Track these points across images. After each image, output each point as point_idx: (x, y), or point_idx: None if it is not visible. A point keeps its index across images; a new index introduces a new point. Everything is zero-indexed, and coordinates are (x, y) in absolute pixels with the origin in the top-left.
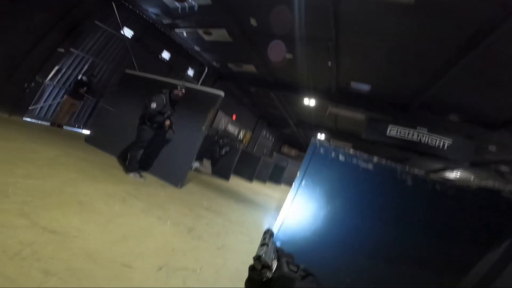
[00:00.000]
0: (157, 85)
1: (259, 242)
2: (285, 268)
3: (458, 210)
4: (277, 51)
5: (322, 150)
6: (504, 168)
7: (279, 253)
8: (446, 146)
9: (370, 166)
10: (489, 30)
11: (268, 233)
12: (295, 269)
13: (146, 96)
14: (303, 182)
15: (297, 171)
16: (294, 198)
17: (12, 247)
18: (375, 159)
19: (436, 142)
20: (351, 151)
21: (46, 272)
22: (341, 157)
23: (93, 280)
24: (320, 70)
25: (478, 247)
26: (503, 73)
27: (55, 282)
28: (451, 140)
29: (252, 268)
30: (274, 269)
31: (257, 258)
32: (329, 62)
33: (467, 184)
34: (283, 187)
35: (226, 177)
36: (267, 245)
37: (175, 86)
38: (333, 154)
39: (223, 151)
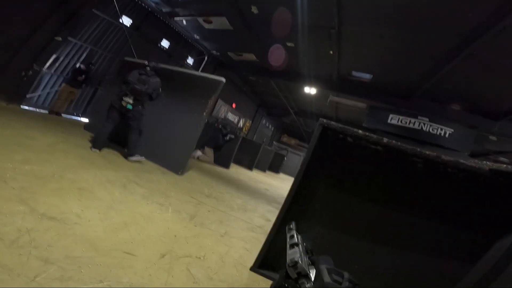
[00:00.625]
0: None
1: (287, 239)
2: (327, 278)
3: (470, 194)
4: (277, 55)
5: (329, 131)
6: (503, 159)
7: (313, 256)
8: (447, 135)
9: (379, 148)
10: (495, 20)
11: (294, 228)
12: (339, 279)
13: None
14: (310, 164)
15: (298, 161)
16: (301, 181)
17: (9, 234)
18: (385, 140)
19: (437, 131)
20: (360, 132)
21: (45, 260)
22: (349, 139)
23: (94, 268)
24: (322, 58)
25: (489, 234)
26: (508, 63)
27: (55, 271)
28: (453, 130)
29: (285, 277)
30: (313, 279)
31: (293, 264)
32: (331, 51)
33: (479, 167)
34: (282, 175)
35: (226, 165)
36: (299, 246)
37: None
38: (340, 135)
39: (228, 137)
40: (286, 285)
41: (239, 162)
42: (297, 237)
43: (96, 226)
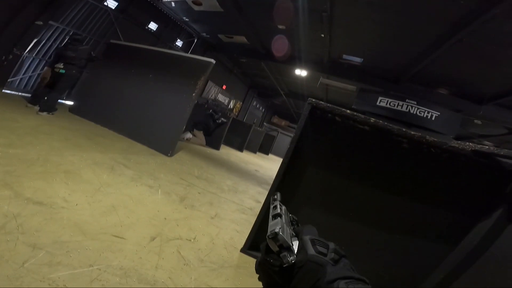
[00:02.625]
0: (143, 53)
1: (270, 210)
2: (311, 250)
3: (452, 175)
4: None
5: (318, 111)
6: (487, 143)
7: (297, 227)
8: (434, 117)
9: (366, 128)
10: (485, 8)
11: (278, 199)
12: (324, 250)
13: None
14: (299, 143)
15: (288, 142)
16: (290, 160)
17: None
18: (372, 120)
19: (424, 113)
20: (348, 112)
21: (33, 246)
22: (337, 118)
23: (83, 252)
24: (313, 41)
25: (471, 215)
26: (495, 50)
27: (43, 256)
28: (439, 113)
29: (266, 250)
30: (296, 251)
31: (273, 236)
32: (322, 34)
33: (462, 147)
34: (272, 156)
35: (216, 146)
36: (282, 216)
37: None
38: (329, 115)
39: (220, 121)
40: (268, 259)
41: (230, 144)
42: (280, 208)
43: (84, 209)
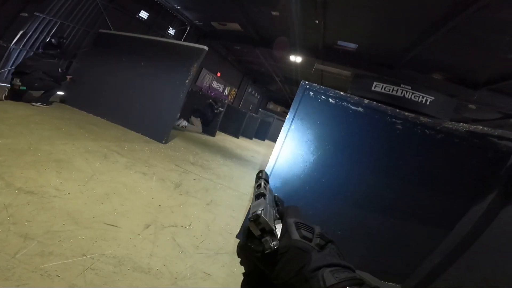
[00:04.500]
0: (133, 42)
1: (253, 189)
2: (295, 235)
3: (447, 156)
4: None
5: (311, 93)
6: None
7: (281, 207)
8: (428, 102)
9: (360, 109)
10: None
11: (263, 177)
12: (309, 235)
13: None
14: (293, 126)
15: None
16: (283, 142)
17: None
18: (366, 101)
19: (419, 98)
20: (342, 93)
21: (24, 236)
22: (331, 100)
23: (75, 241)
24: (307, 27)
25: (466, 197)
26: (490, 36)
27: (35, 246)
28: (433, 97)
29: (248, 234)
30: (279, 235)
31: (255, 219)
32: (317, 20)
33: (456, 128)
34: (268, 142)
35: (212, 133)
36: (265, 196)
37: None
38: (323, 97)
39: (218, 111)
40: (249, 244)
41: (225, 130)
42: (265, 187)
43: (76, 198)
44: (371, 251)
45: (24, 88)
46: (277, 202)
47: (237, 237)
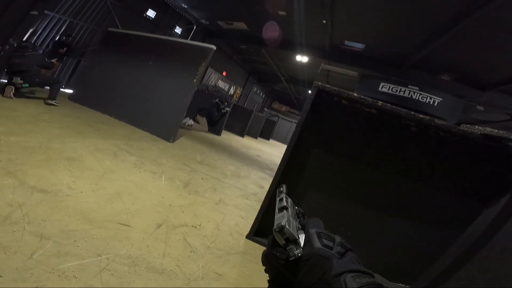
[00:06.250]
0: (141, 41)
1: (276, 203)
2: (317, 243)
3: (460, 159)
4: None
5: (324, 94)
6: (489, 129)
7: (303, 219)
8: (436, 103)
9: (373, 111)
10: None
11: (284, 191)
12: (330, 243)
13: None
14: (305, 127)
15: (289, 127)
16: (295, 145)
17: (0, 209)
18: (380, 103)
19: (426, 99)
20: (355, 95)
21: (40, 236)
22: (344, 101)
23: (90, 241)
24: (314, 27)
25: (479, 200)
26: (501, 37)
27: (51, 247)
28: (441, 98)
29: (273, 244)
30: (302, 244)
31: (280, 229)
32: (324, 20)
33: (471, 131)
34: (273, 142)
35: (217, 132)
36: (288, 209)
37: None
38: (335, 98)
39: (225, 110)
40: (274, 253)
41: (231, 129)
42: (286, 200)
43: (89, 197)
44: (381, 251)
45: (27, 85)
46: (298, 215)
47: (247, 237)
